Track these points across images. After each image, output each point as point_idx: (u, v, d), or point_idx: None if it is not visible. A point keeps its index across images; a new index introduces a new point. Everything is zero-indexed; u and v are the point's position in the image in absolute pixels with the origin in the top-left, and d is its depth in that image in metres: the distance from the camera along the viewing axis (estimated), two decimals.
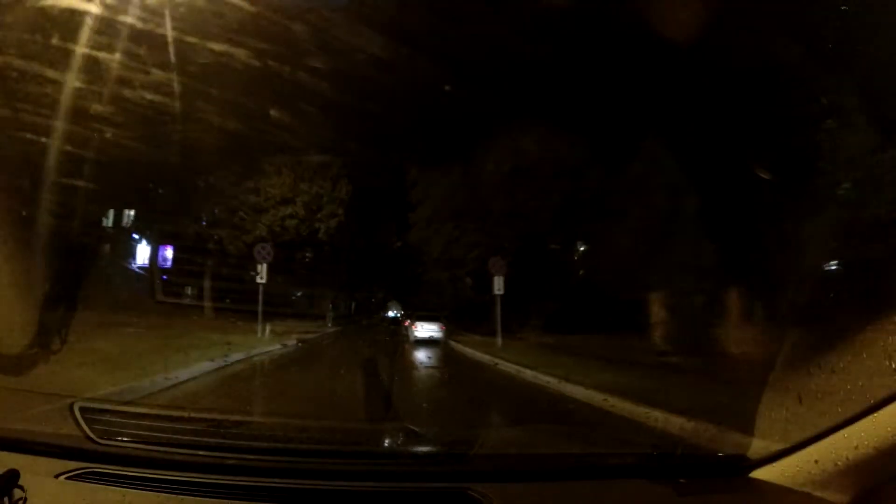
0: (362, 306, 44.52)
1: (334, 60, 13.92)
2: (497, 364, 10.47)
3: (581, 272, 16.97)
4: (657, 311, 13.34)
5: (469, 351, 13.83)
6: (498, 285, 14.39)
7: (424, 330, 17.07)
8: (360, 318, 38.40)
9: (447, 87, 15.60)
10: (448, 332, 17.38)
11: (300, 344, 14.09)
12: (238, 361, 8.96)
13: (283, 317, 18.03)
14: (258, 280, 14.70)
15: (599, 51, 12.74)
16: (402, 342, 17.37)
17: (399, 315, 39.76)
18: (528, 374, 8.52)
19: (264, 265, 14.76)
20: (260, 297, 14.57)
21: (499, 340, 13.94)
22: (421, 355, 12.98)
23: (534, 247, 18.20)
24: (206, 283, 19.89)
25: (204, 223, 21.40)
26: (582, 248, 19.93)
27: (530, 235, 18.32)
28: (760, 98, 10.54)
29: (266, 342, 12.69)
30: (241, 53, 10.84)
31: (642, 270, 13.57)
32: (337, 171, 23.60)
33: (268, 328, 14.25)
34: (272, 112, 15.75)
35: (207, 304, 18.75)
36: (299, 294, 28.00)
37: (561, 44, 13.81)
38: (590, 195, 17.09)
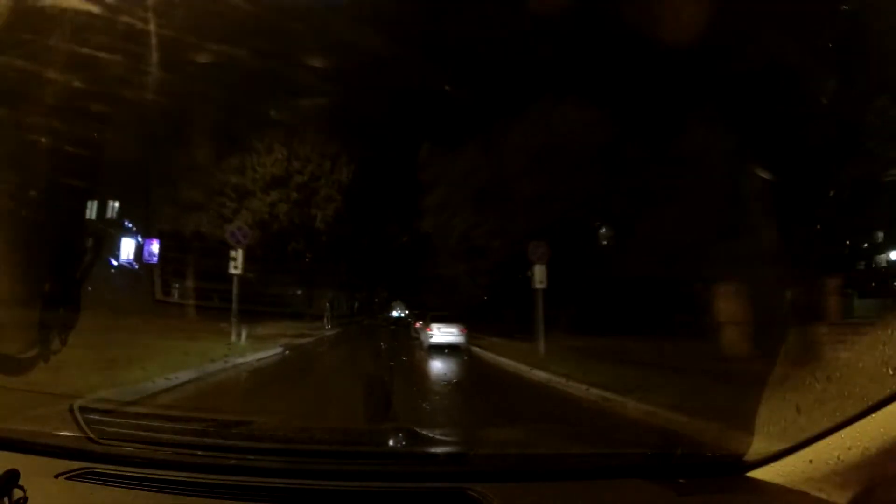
0: (364, 306, 47.11)
1: (338, 24, 13.59)
2: (559, 385, 9.09)
3: (620, 263, 16.67)
4: (726, 307, 12.64)
5: (505, 362, 12.99)
6: (539, 277, 13.57)
7: (442, 334, 16.44)
8: (362, 319, 40.06)
9: (460, 65, 15.32)
10: (467, 336, 16.86)
11: (286, 352, 13.27)
12: (167, 390, 7.01)
13: (278, 317, 18.36)
14: (232, 270, 13.80)
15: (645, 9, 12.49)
16: (414, 349, 17.26)
17: (403, 315, 43.43)
18: (635, 408, 6.55)
19: (240, 251, 13.98)
20: (234, 292, 13.68)
21: (541, 346, 13.19)
22: (447, 371, 12.36)
23: (569, 234, 17.71)
24: (189, 282, 20.47)
25: (198, 215, 21.59)
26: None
27: (564, 221, 17.95)
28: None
29: (240, 350, 11.66)
30: (230, 16, 10.87)
31: (701, 261, 13.07)
32: (337, 150, 23.73)
33: (244, 332, 13.49)
34: (267, 84, 15.82)
35: (190, 302, 19.26)
36: (298, 293, 28.60)
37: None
38: (634, 173, 16.82)
